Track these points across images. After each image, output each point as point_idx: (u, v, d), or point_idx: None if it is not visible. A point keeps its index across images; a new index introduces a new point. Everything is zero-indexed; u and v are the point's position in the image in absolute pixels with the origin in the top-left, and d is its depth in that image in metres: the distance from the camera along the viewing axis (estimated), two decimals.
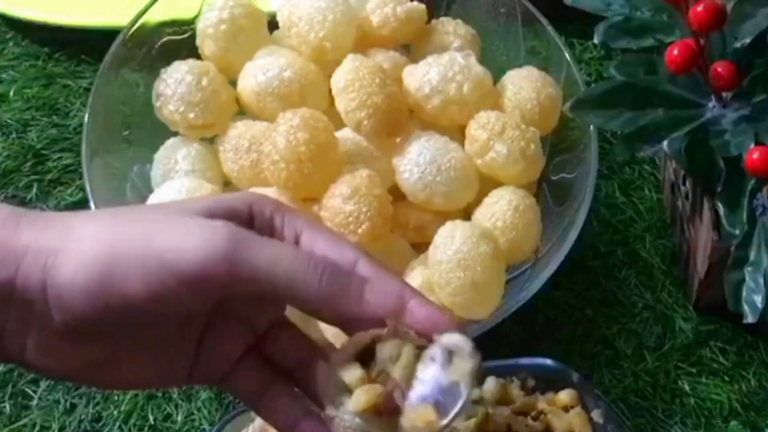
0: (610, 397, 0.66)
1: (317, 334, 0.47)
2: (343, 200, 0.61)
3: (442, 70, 0.67)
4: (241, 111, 0.70)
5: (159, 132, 0.70)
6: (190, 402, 0.67)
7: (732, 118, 0.61)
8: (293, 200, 0.64)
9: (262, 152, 0.64)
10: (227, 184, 0.69)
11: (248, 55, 0.70)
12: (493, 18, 0.75)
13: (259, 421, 0.58)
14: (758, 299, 0.58)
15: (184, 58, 0.70)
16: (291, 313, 0.44)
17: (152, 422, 0.66)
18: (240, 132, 0.67)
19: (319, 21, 0.67)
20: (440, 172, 0.64)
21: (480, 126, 0.66)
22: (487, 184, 0.66)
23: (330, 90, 0.66)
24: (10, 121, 0.81)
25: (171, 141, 0.70)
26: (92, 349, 0.40)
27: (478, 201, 0.66)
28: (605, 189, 0.77)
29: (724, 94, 0.62)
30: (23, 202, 0.76)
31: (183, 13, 0.73)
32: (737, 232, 0.59)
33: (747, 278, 0.59)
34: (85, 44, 0.84)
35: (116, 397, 0.67)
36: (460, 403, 0.39)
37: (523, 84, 0.69)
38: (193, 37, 0.71)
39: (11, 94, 0.83)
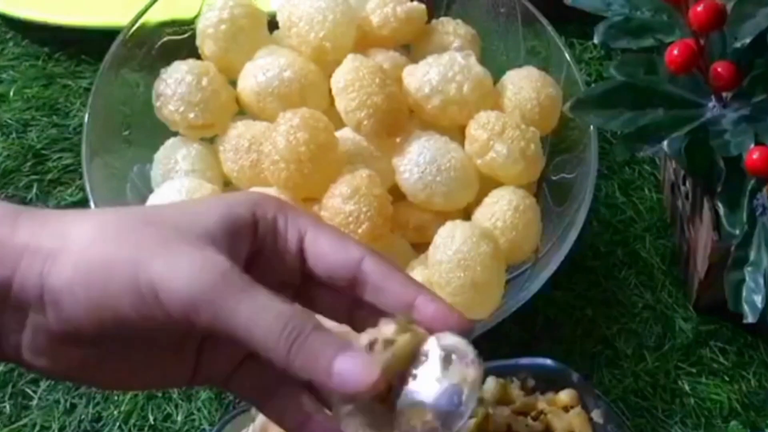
0: (610, 397, 0.66)
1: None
2: (343, 200, 0.61)
3: (442, 70, 0.67)
4: (241, 111, 0.70)
5: (159, 132, 0.70)
6: (190, 402, 0.67)
7: (732, 118, 0.61)
8: (293, 200, 0.64)
9: (262, 152, 0.64)
10: (227, 184, 0.69)
11: (248, 55, 0.70)
12: (493, 18, 0.75)
13: (259, 421, 0.58)
14: (758, 299, 0.58)
15: (184, 58, 0.70)
16: None
17: (152, 422, 0.66)
18: (240, 132, 0.67)
19: (319, 21, 0.67)
20: (440, 172, 0.64)
21: (480, 126, 0.66)
22: (487, 184, 0.66)
23: (330, 90, 0.66)
24: (10, 121, 0.81)
25: (171, 141, 0.69)
26: (89, 353, 0.40)
27: (478, 201, 0.66)
28: (605, 189, 0.77)
29: (724, 94, 0.62)
30: (23, 202, 0.76)
31: (183, 13, 0.73)
32: (737, 232, 0.59)
33: (747, 278, 0.59)
34: (85, 44, 0.84)
35: (116, 397, 0.67)
36: (464, 419, 0.39)
37: (523, 84, 0.69)
38: (193, 37, 0.71)
39: (11, 94, 0.83)
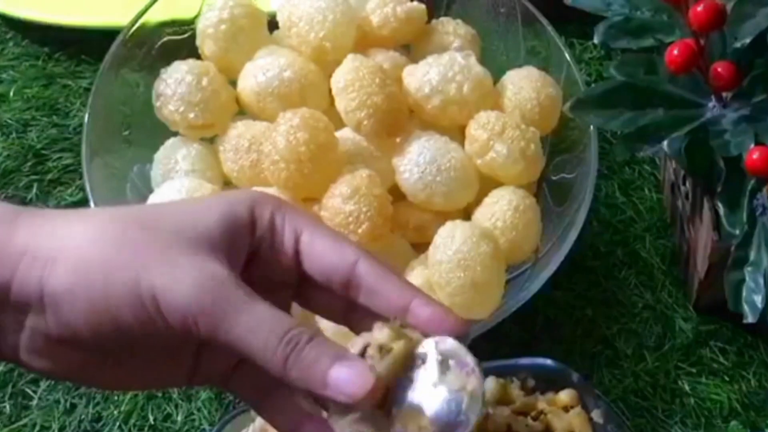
0: (610, 397, 0.66)
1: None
2: (343, 200, 0.61)
3: (442, 70, 0.67)
4: (241, 111, 0.70)
5: (159, 132, 0.70)
6: (190, 402, 0.67)
7: (732, 118, 0.61)
8: (293, 200, 0.64)
9: (262, 152, 0.64)
10: (227, 184, 0.69)
11: (248, 55, 0.70)
12: (493, 18, 0.75)
13: (259, 422, 0.58)
14: (758, 299, 0.58)
15: (184, 58, 0.70)
16: (292, 312, 0.44)
17: (152, 422, 0.66)
18: (240, 132, 0.67)
19: (319, 21, 0.67)
20: (440, 172, 0.64)
21: (480, 126, 0.66)
22: (487, 184, 0.66)
23: (330, 90, 0.66)
24: (10, 121, 0.81)
25: (171, 141, 0.69)
26: (87, 355, 0.40)
27: (478, 201, 0.66)
28: (605, 189, 0.77)
29: (724, 94, 0.62)
30: (23, 202, 0.76)
31: (183, 13, 0.73)
32: (737, 232, 0.59)
33: (747, 278, 0.59)
34: (85, 44, 0.84)
35: (116, 397, 0.67)
36: (467, 429, 0.38)
37: (523, 84, 0.69)
38: (193, 37, 0.71)
39: (11, 94, 0.83)
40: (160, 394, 0.67)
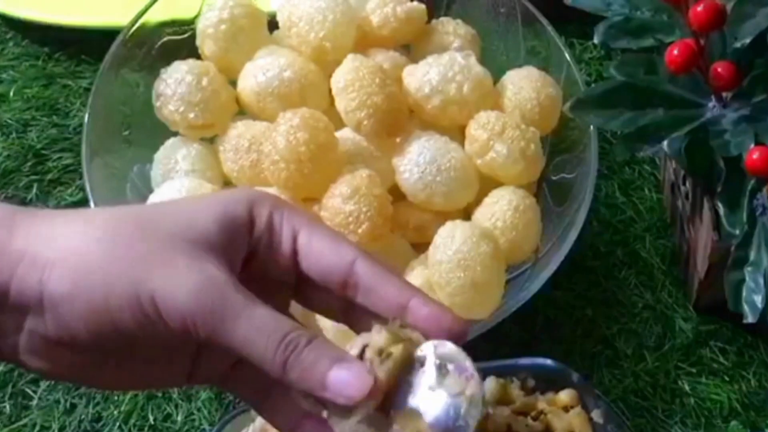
0: (610, 397, 0.66)
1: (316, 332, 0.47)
2: (343, 200, 0.61)
3: (442, 70, 0.67)
4: (241, 111, 0.70)
5: (159, 132, 0.70)
6: (190, 402, 0.67)
7: (732, 118, 0.61)
8: (293, 200, 0.64)
9: (262, 152, 0.64)
10: (227, 184, 0.69)
11: (248, 55, 0.70)
12: (493, 18, 0.75)
13: (259, 422, 0.58)
14: (758, 299, 0.58)
15: (184, 58, 0.70)
16: (291, 309, 0.44)
17: (152, 422, 0.66)
18: (240, 132, 0.67)
19: (319, 21, 0.67)
20: (440, 172, 0.64)
21: (480, 126, 0.66)
22: (487, 184, 0.66)
23: (330, 90, 0.66)
24: (10, 121, 0.81)
25: (171, 141, 0.70)
26: (86, 356, 0.40)
27: (478, 201, 0.66)
28: (605, 189, 0.77)
29: (724, 94, 0.62)
30: (23, 202, 0.76)
31: (183, 13, 0.73)
32: (737, 232, 0.59)
33: (747, 278, 0.59)
34: (85, 44, 0.84)
35: (116, 397, 0.67)
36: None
37: (523, 84, 0.69)
38: (193, 37, 0.71)
39: (11, 94, 0.83)
40: (160, 394, 0.67)
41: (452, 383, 0.39)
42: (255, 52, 0.70)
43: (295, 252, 0.42)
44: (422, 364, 0.39)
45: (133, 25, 0.71)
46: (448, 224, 0.62)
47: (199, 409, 0.66)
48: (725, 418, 0.67)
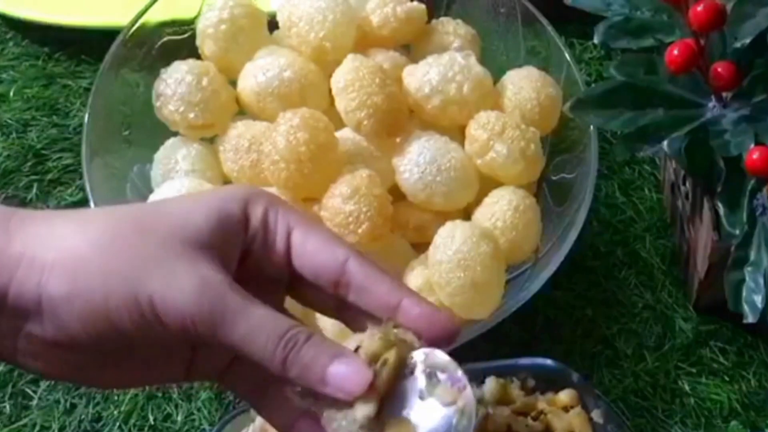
0: (610, 397, 0.66)
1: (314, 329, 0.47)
2: (343, 200, 0.61)
3: (442, 70, 0.67)
4: (241, 111, 0.70)
5: (159, 132, 0.70)
6: (190, 402, 0.67)
7: (732, 118, 0.61)
8: (293, 200, 0.64)
9: (262, 152, 0.64)
10: (227, 184, 0.69)
11: (248, 55, 0.70)
12: (493, 18, 0.75)
13: (259, 422, 0.58)
14: (758, 299, 0.58)
15: (184, 58, 0.70)
16: (291, 307, 0.44)
17: (152, 422, 0.66)
18: (240, 132, 0.67)
19: (319, 21, 0.67)
20: (440, 172, 0.64)
21: (480, 126, 0.66)
22: (487, 184, 0.66)
23: (330, 90, 0.66)
24: (10, 121, 0.81)
25: (171, 141, 0.70)
26: (84, 357, 0.40)
27: (478, 201, 0.66)
28: (605, 189, 0.77)
29: (724, 94, 0.62)
30: (23, 202, 0.76)
31: (183, 13, 0.73)
32: (737, 232, 0.59)
33: (747, 278, 0.59)
34: (85, 44, 0.84)
35: (116, 397, 0.67)
36: None
37: (523, 84, 0.69)
38: (193, 37, 0.71)
39: (11, 94, 0.83)
40: (160, 394, 0.67)
41: (444, 393, 0.39)
42: (255, 52, 0.70)
43: (288, 250, 0.42)
44: (412, 372, 0.39)
45: (133, 25, 0.71)
46: (448, 224, 0.62)
47: (199, 409, 0.66)
48: (725, 418, 0.67)
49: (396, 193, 0.65)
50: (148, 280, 0.38)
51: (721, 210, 0.60)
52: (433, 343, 0.40)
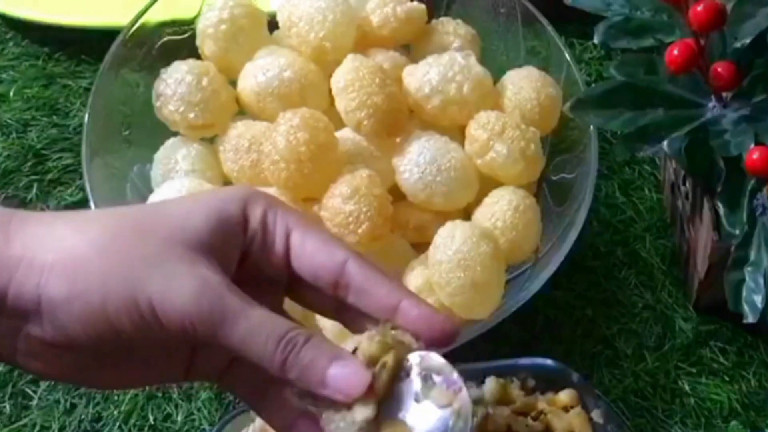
0: (610, 397, 0.66)
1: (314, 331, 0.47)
2: (343, 200, 0.61)
3: (442, 70, 0.67)
4: (241, 111, 0.70)
5: (159, 132, 0.70)
6: (190, 402, 0.67)
7: (732, 118, 0.61)
8: (293, 200, 0.64)
9: (262, 152, 0.64)
10: (227, 184, 0.69)
11: (248, 55, 0.70)
12: (493, 18, 0.75)
13: (259, 422, 0.58)
14: (758, 299, 0.58)
15: (184, 58, 0.70)
16: (290, 308, 0.44)
17: (152, 422, 0.66)
18: (240, 132, 0.67)
19: (319, 21, 0.67)
20: (440, 172, 0.64)
21: (480, 126, 0.66)
22: (487, 184, 0.66)
23: (330, 90, 0.66)
24: (10, 121, 0.81)
25: (171, 141, 0.70)
26: (83, 358, 0.40)
27: (478, 201, 0.66)
28: (605, 189, 0.77)
29: (724, 94, 0.62)
30: (23, 202, 0.76)
31: (183, 13, 0.73)
32: (737, 232, 0.59)
33: (747, 278, 0.59)
34: (85, 44, 0.84)
35: (116, 397, 0.67)
36: None
37: (523, 84, 0.69)
38: (193, 37, 0.71)
39: (11, 94, 0.83)
40: (160, 394, 0.67)
41: (439, 395, 0.39)
42: (255, 52, 0.70)
43: (287, 251, 0.42)
44: (408, 374, 0.40)
45: (133, 25, 0.71)
46: (448, 224, 0.62)
47: (199, 409, 0.66)
48: (725, 418, 0.67)
49: (396, 193, 0.65)
50: (147, 282, 0.38)
51: (721, 210, 0.60)
52: (432, 344, 0.40)
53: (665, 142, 0.61)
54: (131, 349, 0.40)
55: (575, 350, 0.69)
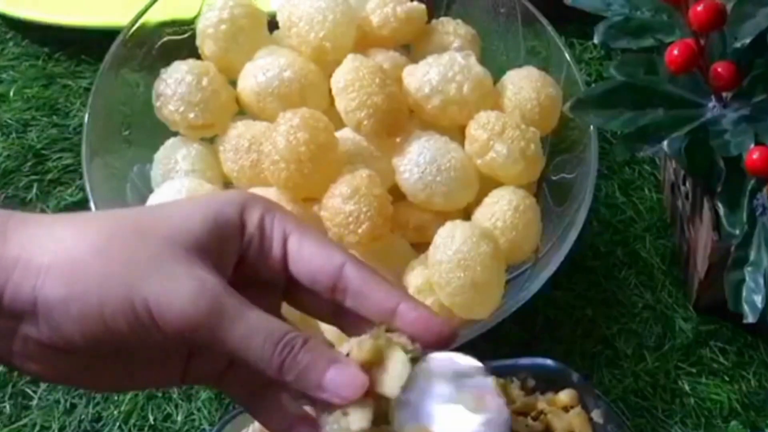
0: (610, 397, 0.66)
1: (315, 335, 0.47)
2: (343, 200, 0.61)
3: (442, 70, 0.67)
4: (241, 111, 0.70)
5: (159, 132, 0.70)
6: (190, 402, 0.67)
7: (732, 118, 0.61)
8: (293, 200, 0.64)
9: (262, 152, 0.64)
10: (227, 184, 0.69)
11: (248, 55, 0.70)
12: (493, 18, 0.75)
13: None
14: (758, 299, 0.58)
15: (184, 58, 0.70)
16: (289, 313, 0.44)
17: (152, 422, 0.66)
18: (240, 132, 0.67)
19: (319, 21, 0.67)
20: (440, 172, 0.64)
21: (480, 126, 0.66)
22: (487, 184, 0.66)
23: (330, 90, 0.66)
24: (10, 121, 0.81)
25: (171, 141, 0.70)
26: (81, 360, 0.40)
27: (478, 201, 0.66)
28: (605, 189, 0.77)
29: (724, 94, 0.62)
30: (23, 202, 0.76)
31: (183, 13, 0.73)
32: (737, 232, 0.59)
33: (747, 278, 0.59)
34: (85, 44, 0.84)
35: (116, 397, 0.67)
36: None
37: (523, 84, 0.69)
38: (193, 37, 0.71)
39: (11, 94, 0.83)
40: (160, 394, 0.67)
41: (470, 400, 0.39)
42: (255, 52, 0.70)
43: (285, 255, 0.42)
44: (431, 376, 0.39)
45: (133, 25, 0.71)
46: (448, 224, 0.62)
47: (199, 409, 0.66)
48: (725, 418, 0.67)
49: (396, 193, 0.65)
50: (144, 284, 0.38)
51: (721, 210, 0.60)
52: (430, 346, 0.40)
53: (665, 142, 0.61)
54: (128, 352, 0.40)
55: (575, 350, 0.69)
